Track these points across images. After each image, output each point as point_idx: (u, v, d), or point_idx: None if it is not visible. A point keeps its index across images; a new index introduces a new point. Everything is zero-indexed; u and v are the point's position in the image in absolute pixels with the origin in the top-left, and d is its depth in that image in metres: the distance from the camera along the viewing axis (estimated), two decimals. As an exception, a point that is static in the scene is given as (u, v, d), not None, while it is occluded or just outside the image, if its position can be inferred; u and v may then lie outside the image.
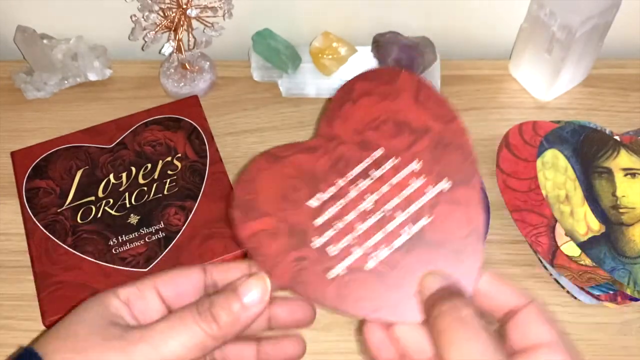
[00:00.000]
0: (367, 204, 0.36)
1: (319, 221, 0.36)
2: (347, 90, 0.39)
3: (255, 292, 0.34)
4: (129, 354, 0.30)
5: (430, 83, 0.38)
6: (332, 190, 0.37)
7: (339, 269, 0.36)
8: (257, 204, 0.37)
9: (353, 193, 0.37)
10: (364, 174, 0.37)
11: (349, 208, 0.37)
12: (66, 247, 0.53)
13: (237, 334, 0.33)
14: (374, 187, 0.37)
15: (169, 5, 0.59)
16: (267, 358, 0.38)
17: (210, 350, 0.33)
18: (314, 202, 0.37)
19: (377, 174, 0.37)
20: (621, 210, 0.53)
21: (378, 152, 0.37)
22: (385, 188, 0.37)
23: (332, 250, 0.36)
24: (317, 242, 0.36)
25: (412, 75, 0.38)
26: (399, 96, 0.38)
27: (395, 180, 0.37)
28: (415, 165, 0.37)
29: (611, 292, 0.51)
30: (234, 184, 0.38)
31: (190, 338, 0.31)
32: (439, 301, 0.32)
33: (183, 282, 0.35)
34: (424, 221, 0.36)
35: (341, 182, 0.37)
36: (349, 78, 0.39)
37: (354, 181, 0.37)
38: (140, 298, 0.34)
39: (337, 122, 0.38)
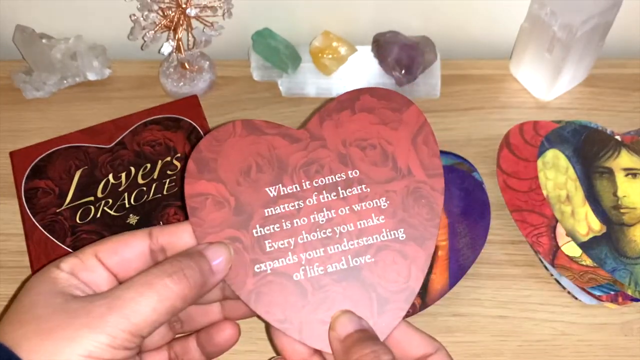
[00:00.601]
0: (321, 217, 0.36)
1: (269, 211, 0.36)
2: (353, 98, 0.38)
3: (223, 257, 0.34)
4: (101, 328, 0.29)
5: (432, 130, 0.37)
6: (294, 188, 0.36)
7: (267, 266, 0.35)
8: (217, 166, 0.36)
9: (313, 201, 0.36)
10: (331, 188, 0.36)
11: (303, 213, 0.36)
12: (65, 247, 0.53)
13: (201, 296, 0.33)
14: (335, 204, 0.36)
15: (168, 5, 0.59)
16: (206, 344, 0.38)
17: (177, 313, 0.32)
18: (272, 191, 0.36)
19: (343, 193, 0.36)
20: (622, 211, 0.53)
21: (353, 173, 0.36)
22: (345, 210, 0.36)
23: (269, 245, 0.35)
24: (259, 231, 0.35)
25: (420, 114, 0.37)
26: (399, 127, 0.37)
27: (357, 207, 0.36)
28: (382, 203, 0.36)
29: (612, 292, 0.51)
30: (204, 136, 0.37)
31: (161, 302, 0.30)
32: (358, 344, 0.32)
33: (126, 250, 0.34)
34: (366, 259, 0.35)
35: (306, 185, 0.36)
36: (361, 87, 0.38)
37: (318, 190, 0.36)
38: (84, 269, 0.33)
39: (329, 125, 0.37)
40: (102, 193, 0.56)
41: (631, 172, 0.55)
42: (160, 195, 0.56)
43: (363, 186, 0.36)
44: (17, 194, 0.56)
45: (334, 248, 0.35)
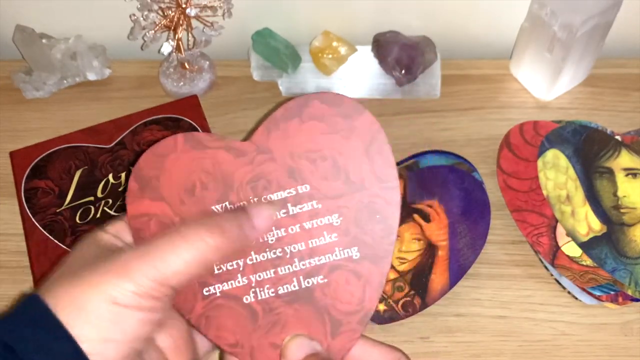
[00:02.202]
0: (271, 236, 0.34)
1: None
2: (301, 105, 0.34)
3: (266, 214, 0.33)
4: (127, 274, 0.28)
5: (386, 138, 0.34)
6: (242, 205, 0.34)
7: (216, 289, 0.33)
8: (159, 184, 0.34)
9: None
10: (281, 205, 0.34)
11: None
12: (65, 247, 0.53)
13: (237, 251, 0.32)
14: (285, 222, 0.34)
15: (168, 5, 0.59)
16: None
17: (210, 267, 0.31)
18: (218, 209, 0.34)
19: (293, 210, 0.34)
20: (622, 211, 0.53)
21: (303, 188, 0.34)
22: (295, 228, 0.34)
23: (217, 267, 0.33)
24: None
25: (373, 121, 0.34)
26: (350, 137, 0.34)
27: (308, 225, 0.34)
28: (334, 219, 0.34)
29: (612, 292, 0.51)
30: (144, 153, 0.35)
31: (193, 254, 0.29)
32: None
33: None
34: (318, 279, 0.33)
35: (253, 202, 0.34)
36: (308, 94, 0.35)
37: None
38: (129, 230, 0.33)
39: (276, 136, 0.34)
40: (102, 193, 0.56)
41: (631, 172, 0.54)
42: (160, 195, 0.55)
43: (314, 202, 0.34)
44: (17, 194, 0.56)
45: (284, 269, 0.33)
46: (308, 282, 0.33)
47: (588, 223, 0.52)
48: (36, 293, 0.29)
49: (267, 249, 0.34)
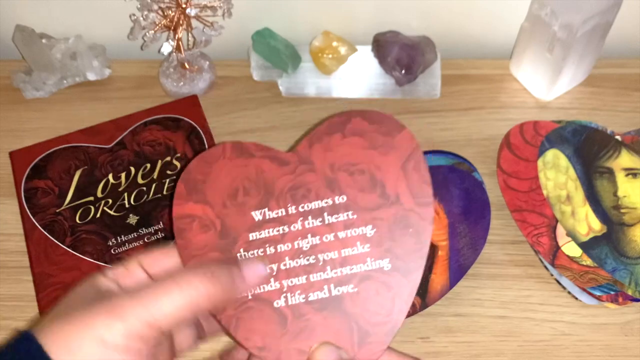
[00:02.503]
0: (305, 244, 0.35)
1: (253, 236, 0.35)
2: (344, 121, 0.36)
3: (256, 268, 0.34)
4: (119, 315, 0.29)
5: (423, 156, 0.35)
6: (280, 213, 0.35)
7: (248, 292, 0.34)
8: (205, 188, 0.36)
9: (298, 226, 0.35)
10: (317, 213, 0.35)
11: (287, 239, 0.35)
12: (65, 247, 0.53)
13: (227, 301, 0.33)
14: (320, 231, 0.35)
15: (168, 5, 0.59)
16: None
17: (201, 313, 0.32)
18: (257, 215, 0.35)
19: (329, 219, 0.35)
20: (622, 211, 0.53)
21: (340, 199, 0.35)
22: (329, 237, 0.35)
23: None
24: (242, 255, 0.35)
25: (412, 138, 0.36)
26: (388, 153, 0.35)
27: (342, 234, 0.35)
28: (368, 231, 0.35)
29: (612, 292, 0.51)
30: (194, 158, 0.37)
31: (184, 298, 0.30)
32: None
33: (167, 261, 0.35)
34: (348, 289, 0.34)
35: (292, 210, 0.35)
36: (351, 110, 0.37)
37: (304, 215, 0.35)
38: (127, 276, 0.34)
39: (318, 148, 0.36)
40: (102, 193, 0.56)
41: (631, 172, 0.54)
42: (160, 195, 0.55)
43: (349, 213, 0.35)
44: (17, 194, 0.56)
45: (316, 276, 0.34)
46: (338, 291, 0.34)
47: (588, 223, 0.52)
48: (29, 331, 0.29)
49: (301, 256, 0.35)
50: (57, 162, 0.57)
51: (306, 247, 0.35)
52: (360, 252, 0.34)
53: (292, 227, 0.35)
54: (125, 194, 0.55)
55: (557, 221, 0.53)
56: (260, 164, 0.36)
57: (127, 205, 0.55)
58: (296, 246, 0.35)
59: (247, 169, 0.36)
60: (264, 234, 0.35)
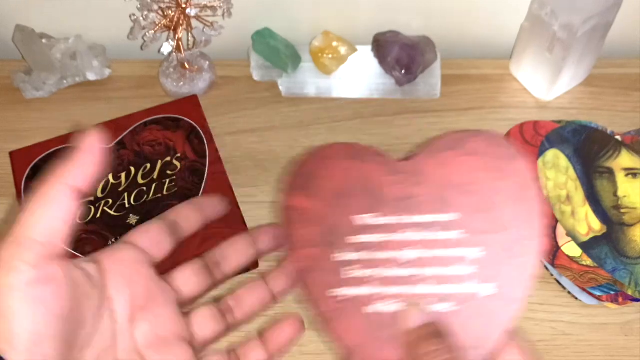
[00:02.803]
0: (407, 255, 0.34)
1: (353, 239, 0.35)
2: (463, 138, 0.35)
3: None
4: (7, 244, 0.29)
5: (539, 187, 0.35)
6: (385, 220, 0.35)
7: (338, 292, 0.34)
8: (314, 182, 0.35)
9: (400, 236, 0.34)
10: (423, 227, 0.34)
11: (388, 247, 0.34)
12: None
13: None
14: (426, 244, 0.34)
15: (168, 5, 0.59)
16: (269, 342, 0.37)
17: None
18: (361, 219, 0.35)
19: (438, 235, 0.34)
20: (622, 211, 0.53)
21: (452, 217, 0.34)
22: (435, 252, 0.34)
23: (344, 272, 0.34)
24: (339, 256, 0.34)
25: (532, 167, 0.35)
26: (506, 178, 0.34)
27: (449, 253, 0.34)
28: (477, 253, 0.34)
29: (612, 292, 0.51)
30: (311, 152, 0.37)
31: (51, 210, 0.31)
32: (424, 339, 0.32)
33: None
34: (448, 306, 0.33)
35: (397, 219, 0.35)
36: (470, 129, 0.36)
37: (409, 227, 0.34)
38: None
39: (434, 162, 0.35)
40: (102, 193, 0.56)
41: (631, 172, 0.54)
42: (160, 195, 0.55)
43: (460, 231, 0.34)
44: (17, 194, 0.56)
45: (417, 289, 0.34)
46: (437, 307, 0.33)
47: (588, 223, 0.52)
48: None
49: (401, 267, 0.34)
50: (57, 162, 0.57)
51: (407, 258, 0.34)
52: (465, 273, 0.34)
53: (394, 237, 0.34)
54: (126, 194, 0.55)
55: (557, 221, 0.53)
56: (373, 168, 0.36)
57: (127, 205, 0.55)
58: (396, 256, 0.34)
59: (360, 171, 0.36)
60: (365, 238, 0.35)
